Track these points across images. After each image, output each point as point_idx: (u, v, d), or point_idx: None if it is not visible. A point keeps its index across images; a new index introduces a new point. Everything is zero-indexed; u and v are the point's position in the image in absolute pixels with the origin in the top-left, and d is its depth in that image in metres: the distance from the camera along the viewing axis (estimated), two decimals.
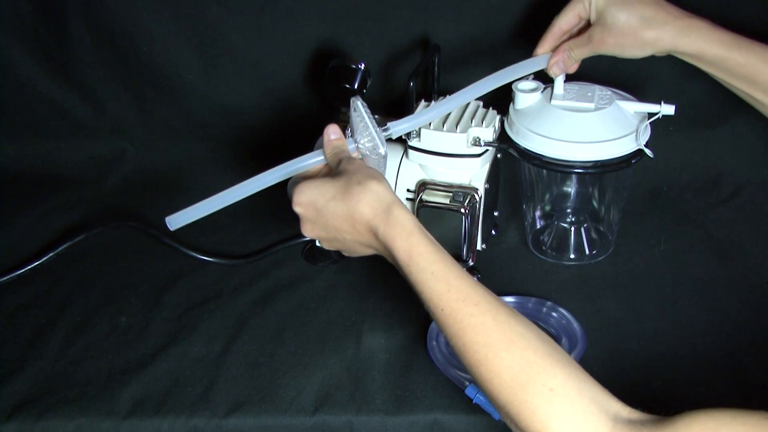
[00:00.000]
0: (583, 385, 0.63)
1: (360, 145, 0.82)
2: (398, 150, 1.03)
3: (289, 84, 1.18)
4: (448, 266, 0.72)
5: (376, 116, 1.03)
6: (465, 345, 0.67)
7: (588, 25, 0.93)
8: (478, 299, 0.69)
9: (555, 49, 0.95)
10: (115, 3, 1.13)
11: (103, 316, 0.97)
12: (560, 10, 0.96)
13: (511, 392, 0.63)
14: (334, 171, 0.80)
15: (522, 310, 0.95)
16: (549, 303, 0.95)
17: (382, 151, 0.81)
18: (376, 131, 0.82)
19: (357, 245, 0.79)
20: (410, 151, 1.00)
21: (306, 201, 0.79)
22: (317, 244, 0.86)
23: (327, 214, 0.78)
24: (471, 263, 1.00)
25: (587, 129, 0.93)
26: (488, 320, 0.68)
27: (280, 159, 1.22)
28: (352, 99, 0.83)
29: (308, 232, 0.81)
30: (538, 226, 1.09)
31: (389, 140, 1.04)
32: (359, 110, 0.81)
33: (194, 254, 1.06)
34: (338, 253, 0.86)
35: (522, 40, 1.13)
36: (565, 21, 0.94)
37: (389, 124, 0.85)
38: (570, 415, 0.61)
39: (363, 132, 0.82)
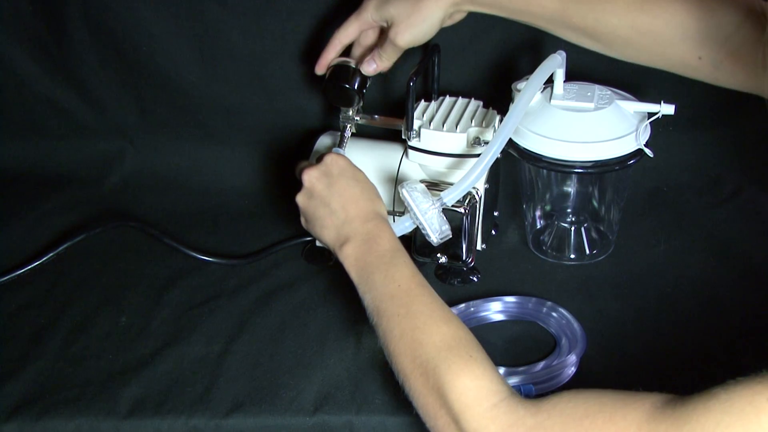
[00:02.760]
0: (496, 370, 0.72)
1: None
2: (398, 150, 1.03)
3: (289, 84, 1.18)
4: (418, 271, 0.81)
5: (377, 116, 1.04)
6: (409, 312, 0.76)
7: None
8: (435, 295, 0.79)
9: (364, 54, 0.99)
10: (115, 3, 1.13)
11: (103, 316, 0.97)
12: None
13: (436, 351, 0.72)
14: None
15: (522, 310, 0.96)
16: (549, 303, 0.95)
17: (434, 240, 0.87)
18: (427, 222, 0.86)
19: (332, 222, 0.87)
20: (410, 151, 1.00)
21: (340, 161, 0.90)
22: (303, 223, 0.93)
23: (342, 182, 0.88)
24: (471, 263, 1.00)
25: (587, 129, 0.93)
26: (438, 303, 0.78)
27: (280, 159, 1.22)
28: (400, 188, 0.87)
29: (311, 178, 0.89)
30: (538, 226, 1.09)
31: (392, 140, 1.04)
32: (407, 201, 0.86)
33: (194, 254, 1.06)
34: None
35: (522, 41, 1.13)
36: (345, 34, 0.98)
37: (442, 194, 0.86)
38: (480, 375, 0.70)
39: (416, 219, 0.87)
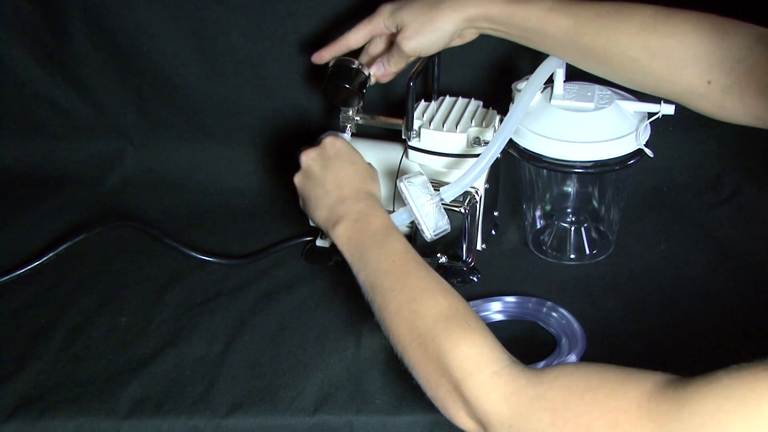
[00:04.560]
0: (496, 338, 0.72)
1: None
2: (398, 150, 1.03)
3: (289, 84, 1.18)
4: (411, 247, 0.82)
5: (377, 116, 1.04)
6: (405, 286, 0.77)
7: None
8: (430, 269, 0.80)
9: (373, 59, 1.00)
10: (115, 3, 1.13)
11: (103, 316, 0.97)
12: None
13: (434, 322, 0.73)
14: None
15: (522, 310, 0.96)
16: (549, 303, 0.95)
17: (428, 236, 0.87)
18: (422, 216, 0.86)
19: (325, 201, 0.88)
20: (410, 151, 1.00)
21: (337, 143, 0.92)
22: (300, 204, 0.93)
23: (337, 163, 0.90)
24: (471, 263, 1.00)
25: (587, 129, 0.93)
26: (433, 276, 0.79)
27: (280, 159, 1.22)
28: (398, 181, 0.87)
29: (308, 159, 0.92)
30: (538, 226, 1.09)
31: (392, 140, 1.04)
32: (403, 193, 0.86)
33: (194, 254, 1.06)
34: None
35: None
36: (354, 38, 0.98)
37: (441, 190, 0.86)
38: (479, 343, 0.70)
39: (411, 212, 0.87)
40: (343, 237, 0.85)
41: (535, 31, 0.90)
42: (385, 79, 1.00)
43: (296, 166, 0.94)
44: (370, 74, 1.00)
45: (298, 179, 0.93)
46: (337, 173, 0.90)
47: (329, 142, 0.92)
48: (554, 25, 0.88)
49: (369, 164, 0.94)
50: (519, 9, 0.89)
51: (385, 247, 0.81)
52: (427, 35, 0.93)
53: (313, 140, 1.06)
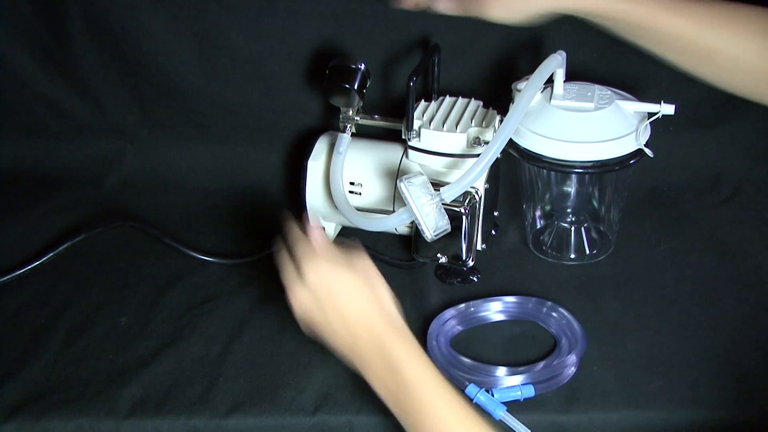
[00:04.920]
0: None
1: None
2: (398, 150, 1.03)
3: (289, 84, 1.18)
4: (449, 384, 0.75)
5: (377, 116, 1.04)
6: None
7: None
8: (480, 420, 0.73)
9: None
10: (115, 3, 1.13)
11: (103, 316, 0.97)
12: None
13: None
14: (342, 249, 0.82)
15: (522, 310, 0.96)
16: (549, 303, 0.95)
17: (428, 236, 0.86)
18: (423, 216, 0.85)
19: (343, 343, 0.78)
20: (410, 151, 1.00)
21: (320, 273, 0.79)
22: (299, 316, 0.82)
23: (332, 300, 0.78)
24: (471, 263, 1.00)
25: (587, 129, 0.93)
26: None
27: (280, 159, 1.23)
28: (398, 182, 0.85)
29: (302, 306, 0.79)
30: (538, 226, 1.09)
31: (392, 140, 1.04)
32: (404, 194, 0.85)
33: (194, 254, 1.06)
34: None
35: (522, 41, 1.13)
36: None
37: (441, 190, 0.86)
38: None
39: (411, 212, 0.85)
40: (379, 387, 0.76)
41: (645, 28, 0.86)
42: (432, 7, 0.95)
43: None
44: (369, 74, 1.00)
45: (303, 327, 0.81)
46: (342, 315, 0.78)
47: (314, 279, 0.78)
48: (667, 24, 0.85)
49: (368, 271, 0.81)
50: (632, 5, 0.85)
51: (424, 401, 0.74)
52: (516, 12, 0.89)
53: (310, 144, 1.06)
